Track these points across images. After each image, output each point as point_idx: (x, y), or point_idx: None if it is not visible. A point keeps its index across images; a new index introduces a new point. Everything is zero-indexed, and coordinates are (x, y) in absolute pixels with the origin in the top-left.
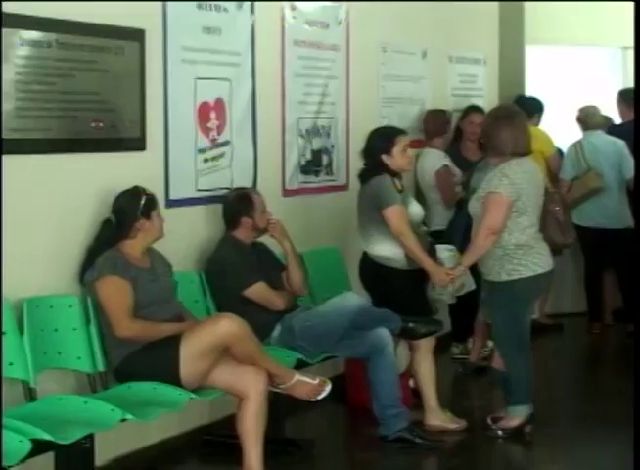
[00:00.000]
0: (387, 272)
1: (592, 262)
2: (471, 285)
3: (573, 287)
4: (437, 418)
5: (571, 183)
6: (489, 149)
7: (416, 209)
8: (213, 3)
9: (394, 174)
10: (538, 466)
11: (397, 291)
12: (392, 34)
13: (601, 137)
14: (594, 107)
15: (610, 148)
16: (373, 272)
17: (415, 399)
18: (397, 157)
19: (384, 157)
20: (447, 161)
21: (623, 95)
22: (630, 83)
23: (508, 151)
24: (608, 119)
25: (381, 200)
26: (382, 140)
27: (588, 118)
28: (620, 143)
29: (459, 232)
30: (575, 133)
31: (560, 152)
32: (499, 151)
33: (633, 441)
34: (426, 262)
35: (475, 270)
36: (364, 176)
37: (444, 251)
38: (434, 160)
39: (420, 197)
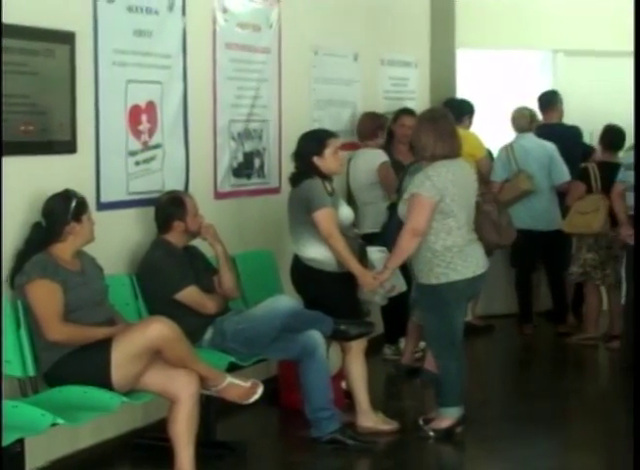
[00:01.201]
0: (317, 275)
1: (522, 264)
2: (402, 287)
3: (504, 288)
4: (369, 420)
5: (502, 185)
6: (415, 152)
7: (346, 211)
8: (144, 6)
9: (325, 177)
10: (469, 466)
11: (328, 293)
12: (324, 37)
13: (532, 140)
14: (527, 109)
15: (540, 150)
16: (303, 275)
17: (347, 400)
18: (328, 159)
19: (315, 159)
20: (386, 157)
21: (541, 99)
22: (560, 86)
23: (427, 154)
24: (539, 122)
25: (311, 202)
26: (313, 143)
27: (520, 120)
28: (551, 146)
29: (392, 235)
30: (506, 136)
31: (490, 154)
32: (421, 154)
33: (633, 441)
34: (353, 266)
35: (406, 272)
36: (295, 179)
37: (375, 253)
38: (373, 158)
39: (351, 200)
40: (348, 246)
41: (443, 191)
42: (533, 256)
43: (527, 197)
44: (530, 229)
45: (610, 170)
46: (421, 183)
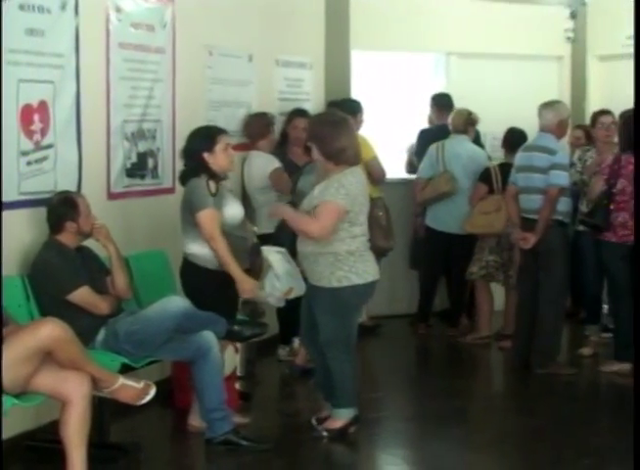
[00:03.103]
0: (198, 271)
1: (433, 264)
2: (301, 290)
3: (389, 289)
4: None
5: (426, 183)
6: (327, 158)
7: (233, 210)
8: (37, 4)
9: (213, 175)
10: (363, 466)
11: (206, 290)
12: (219, 37)
13: (464, 142)
14: (466, 110)
15: (469, 154)
16: (190, 274)
17: (241, 401)
18: (219, 155)
19: (205, 156)
20: (278, 163)
21: (435, 100)
22: (452, 88)
23: (343, 158)
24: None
25: (192, 204)
26: (203, 139)
27: (456, 121)
28: (482, 153)
29: (287, 236)
30: (400, 137)
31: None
32: (339, 158)
33: (633, 441)
34: (233, 269)
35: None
36: (183, 177)
37: (274, 253)
38: (263, 163)
39: (247, 201)
40: (237, 245)
41: (354, 199)
42: (446, 257)
43: (450, 198)
44: (447, 231)
45: (510, 171)
46: (336, 191)
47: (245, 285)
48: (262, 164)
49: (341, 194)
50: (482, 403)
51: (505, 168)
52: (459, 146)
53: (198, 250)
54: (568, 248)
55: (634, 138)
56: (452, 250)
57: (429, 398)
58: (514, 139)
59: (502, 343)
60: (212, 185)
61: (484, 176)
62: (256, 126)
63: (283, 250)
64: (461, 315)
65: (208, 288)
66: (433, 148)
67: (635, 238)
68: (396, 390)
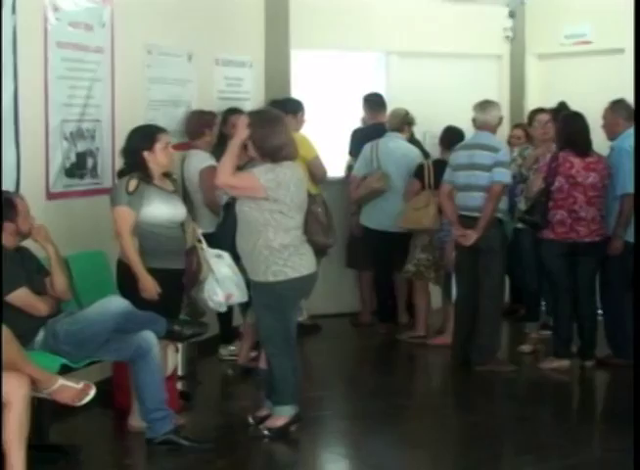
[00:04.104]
0: (127, 268)
1: (382, 264)
2: (242, 296)
3: (327, 288)
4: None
5: (361, 181)
6: (263, 155)
7: (160, 211)
8: None
9: (148, 175)
10: (304, 465)
11: (134, 286)
12: (158, 37)
13: (398, 141)
14: (402, 109)
15: (403, 153)
16: (125, 274)
17: (182, 401)
18: (159, 154)
19: (145, 154)
20: (213, 161)
21: (368, 100)
22: (393, 87)
23: (281, 155)
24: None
25: (111, 200)
26: (142, 138)
27: (392, 120)
28: (415, 152)
29: (228, 236)
30: (340, 136)
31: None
32: (275, 155)
33: (633, 441)
34: (136, 267)
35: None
36: (121, 176)
37: (214, 257)
38: (199, 160)
39: (188, 199)
40: (167, 246)
41: (285, 190)
42: (389, 255)
43: (383, 197)
44: (381, 230)
45: (444, 169)
46: (264, 172)
47: (146, 284)
48: (196, 161)
49: (268, 175)
50: (423, 401)
51: (439, 166)
52: (393, 144)
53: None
54: (506, 245)
55: (634, 137)
56: (387, 248)
57: (369, 396)
58: (451, 137)
59: (433, 340)
60: (133, 184)
61: (418, 172)
62: (195, 124)
63: (225, 254)
64: (398, 313)
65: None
66: (367, 147)
67: (635, 237)
68: (337, 388)
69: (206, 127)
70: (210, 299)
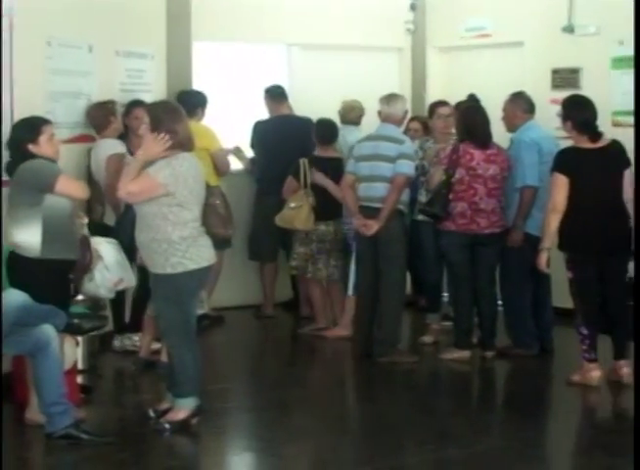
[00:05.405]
0: (31, 265)
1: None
2: (131, 281)
3: (230, 280)
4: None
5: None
6: (178, 144)
7: (64, 201)
8: None
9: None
10: (205, 457)
11: (41, 283)
12: (58, 28)
13: (354, 133)
14: (356, 101)
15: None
16: (18, 267)
17: (83, 395)
18: (44, 146)
19: (30, 146)
20: (123, 148)
21: (269, 92)
22: (295, 79)
23: (185, 143)
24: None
25: (42, 179)
26: (27, 130)
27: (346, 113)
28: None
29: (128, 227)
30: (242, 127)
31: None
32: (182, 144)
33: (633, 441)
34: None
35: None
36: (11, 168)
37: (104, 243)
38: (108, 147)
39: (95, 190)
40: (66, 236)
41: (184, 183)
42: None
43: None
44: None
45: (323, 164)
46: (160, 168)
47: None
48: (105, 149)
49: (164, 172)
50: (325, 392)
51: (318, 162)
52: (350, 138)
53: (25, 238)
54: (407, 236)
55: (634, 137)
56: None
57: (272, 387)
58: (323, 131)
59: (328, 331)
60: None
61: (294, 171)
62: (100, 116)
63: (113, 240)
64: (298, 306)
65: (38, 279)
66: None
67: (635, 238)
68: (240, 380)
69: (111, 115)
70: (102, 285)
